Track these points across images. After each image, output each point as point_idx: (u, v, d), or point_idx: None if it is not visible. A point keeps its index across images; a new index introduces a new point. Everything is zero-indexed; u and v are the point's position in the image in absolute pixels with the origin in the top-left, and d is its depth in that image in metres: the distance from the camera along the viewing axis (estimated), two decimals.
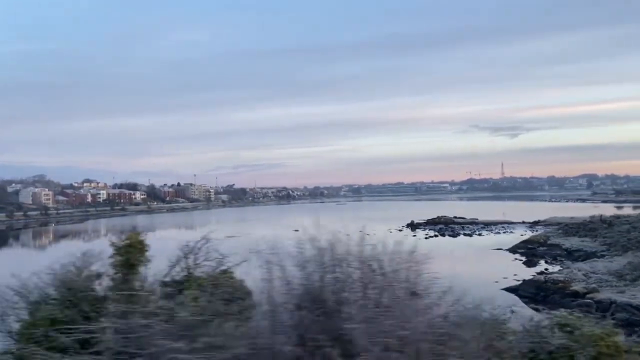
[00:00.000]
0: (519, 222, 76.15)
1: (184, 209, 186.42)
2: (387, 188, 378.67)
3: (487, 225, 73.93)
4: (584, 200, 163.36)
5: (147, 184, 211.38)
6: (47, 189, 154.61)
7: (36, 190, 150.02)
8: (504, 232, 64.46)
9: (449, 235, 62.64)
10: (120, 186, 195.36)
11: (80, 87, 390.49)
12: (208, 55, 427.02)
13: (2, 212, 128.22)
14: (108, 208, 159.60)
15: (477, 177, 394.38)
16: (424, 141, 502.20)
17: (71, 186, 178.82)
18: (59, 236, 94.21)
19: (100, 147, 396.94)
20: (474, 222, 77.92)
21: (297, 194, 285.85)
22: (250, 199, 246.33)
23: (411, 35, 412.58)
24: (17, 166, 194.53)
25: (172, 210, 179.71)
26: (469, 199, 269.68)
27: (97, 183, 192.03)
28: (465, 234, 62.63)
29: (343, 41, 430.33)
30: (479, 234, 62.64)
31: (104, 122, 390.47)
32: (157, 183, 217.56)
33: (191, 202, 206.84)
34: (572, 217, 75.32)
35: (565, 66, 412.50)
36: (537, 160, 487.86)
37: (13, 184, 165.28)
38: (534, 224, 73.00)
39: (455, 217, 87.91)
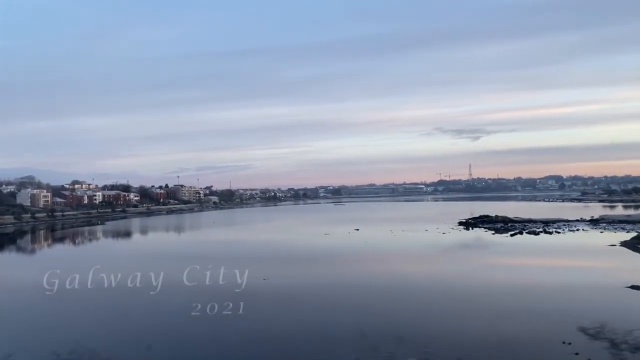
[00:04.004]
0: (577, 220, 79.57)
1: (181, 210, 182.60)
2: (362, 189, 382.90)
3: (547, 223, 76.66)
4: (580, 200, 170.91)
5: (126, 184, 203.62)
6: (45, 191, 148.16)
7: (35, 191, 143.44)
8: (577, 230, 66.90)
9: (527, 234, 64.40)
10: (111, 187, 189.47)
11: (35, 87, 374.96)
12: (171, 54, 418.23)
13: (5, 215, 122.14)
14: (109, 210, 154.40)
15: (447, 179, 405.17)
16: (391, 143, 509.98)
17: (62, 187, 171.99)
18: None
19: (56, 148, 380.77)
20: (531, 220, 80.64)
21: (280, 196, 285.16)
22: (237, 200, 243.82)
23: (376, 37, 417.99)
24: None
25: (171, 211, 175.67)
26: (446, 199, 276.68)
27: (89, 185, 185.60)
28: (545, 232, 64.61)
29: (310, 42, 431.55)
30: (558, 232, 64.79)
31: (60, 123, 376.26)
32: (138, 184, 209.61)
33: (184, 203, 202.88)
34: (628, 215, 79.38)
35: (524, 70, 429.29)
36: (501, 161, 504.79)
37: (3, 185, 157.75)
38: (593, 222, 76.54)
39: (496, 216, 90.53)
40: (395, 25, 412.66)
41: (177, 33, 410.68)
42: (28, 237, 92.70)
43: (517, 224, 77.11)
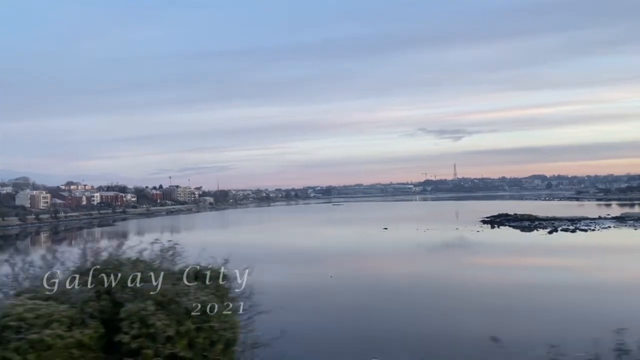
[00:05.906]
0: (599, 218, 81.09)
1: (179, 211, 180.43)
2: (351, 189, 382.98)
3: (573, 220, 77.92)
4: (576, 199, 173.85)
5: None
6: (44, 192, 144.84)
7: (34, 193, 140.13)
8: (609, 228, 68.20)
9: (562, 231, 65.40)
10: (107, 188, 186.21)
11: (17, 86, 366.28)
12: (151, 54, 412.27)
13: (8, 217, 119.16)
14: (109, 211, 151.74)
15: (433, 179, 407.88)
16: (376, 143, 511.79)
17: (59, 188, 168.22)
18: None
19: (32, 149, 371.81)
20: (555, 218, 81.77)
21: (272, 196, 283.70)
22: (231, 201, 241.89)
23: (360, 38, 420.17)
24: None
25: (170, 212, 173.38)
26: (436, 199, 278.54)
27: (85, 185, 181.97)
28: (579, 230, 65.71)
29: (291, 44, 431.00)
30: (591, 230, 65.93)
31: (37, 123, 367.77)
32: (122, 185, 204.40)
33: (180, 204, 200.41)
34: None
35: (505, 71, 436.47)
36: (484, 161, 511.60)
37: None
38: (619, 219, 78.06)
39: (516, 214, 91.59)
40: (378, 27, 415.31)
41: (159, 33, 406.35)
42: (39, 238, 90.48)
43: (544, 222, 78.03)
